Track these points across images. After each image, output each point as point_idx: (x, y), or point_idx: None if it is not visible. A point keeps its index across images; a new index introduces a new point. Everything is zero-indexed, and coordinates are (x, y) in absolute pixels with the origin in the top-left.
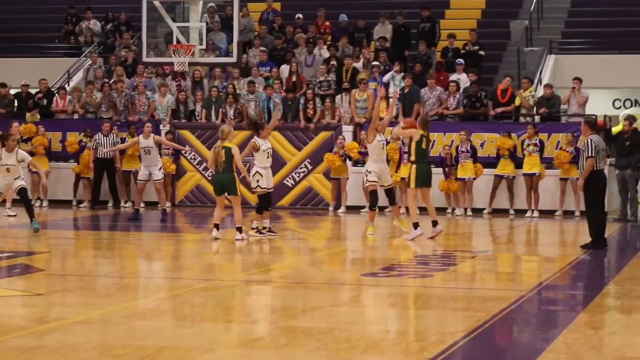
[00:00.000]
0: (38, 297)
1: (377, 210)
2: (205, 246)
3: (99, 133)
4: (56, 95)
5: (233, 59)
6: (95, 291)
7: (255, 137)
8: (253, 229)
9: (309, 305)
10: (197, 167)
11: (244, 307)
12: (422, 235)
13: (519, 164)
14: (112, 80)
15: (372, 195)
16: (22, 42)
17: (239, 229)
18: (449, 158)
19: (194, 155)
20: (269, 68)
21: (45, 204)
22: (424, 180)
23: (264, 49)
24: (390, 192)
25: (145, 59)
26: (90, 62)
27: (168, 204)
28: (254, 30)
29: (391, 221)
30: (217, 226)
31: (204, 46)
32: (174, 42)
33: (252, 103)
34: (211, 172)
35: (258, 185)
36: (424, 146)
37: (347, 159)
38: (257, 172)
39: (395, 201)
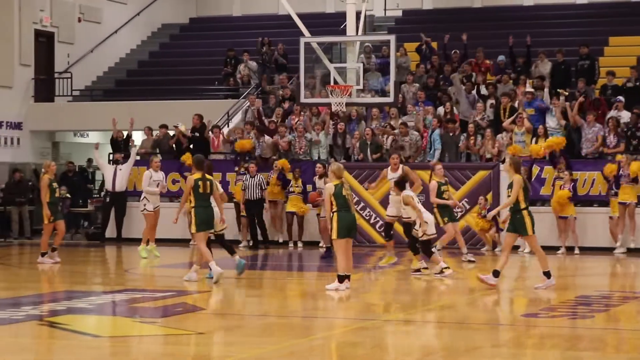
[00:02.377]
0: (199, 336)
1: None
2: (364, 285)
3: (247, 174)
4: (211, 134)
5: (390, 99)
6: (255, 330)
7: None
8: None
9: (470, 345)
10: (355, 206)
11: (402, 347)
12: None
13: None
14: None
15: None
16: (183, 85)
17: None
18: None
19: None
20: (422, 107)
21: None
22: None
23: (416, 85)
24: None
25: (302, 99)
26: (248, 103)
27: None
28: (410, 69)
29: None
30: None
31: (360, 86)
32: (331, 83)
33: (405, 144)
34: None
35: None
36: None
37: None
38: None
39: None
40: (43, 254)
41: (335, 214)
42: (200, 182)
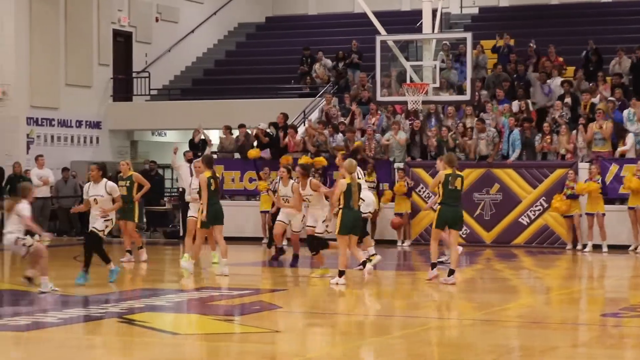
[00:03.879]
0: (276, 333)
1: None
2: (440, 284)
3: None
4: (286, 133)
5: (467, 97)
6: (332, 328)
7: None
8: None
9: (547, 345)
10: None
11: (478, 347)
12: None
13: None
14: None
15: None
16: (259, 84)
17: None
18: None
19: (428, 193)
20: (501, 105)
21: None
22: None
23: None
24: None
25: (379, 98)
26: (324, 101)
27: (407, 242)
28: (487, 67)
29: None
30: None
31: (437, 84)
32: (408, 81)
33: (482, 142)
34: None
35: None
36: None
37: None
38: None
39: None
40: (129, 252)
41: (340, 210)
42: (211, 180)
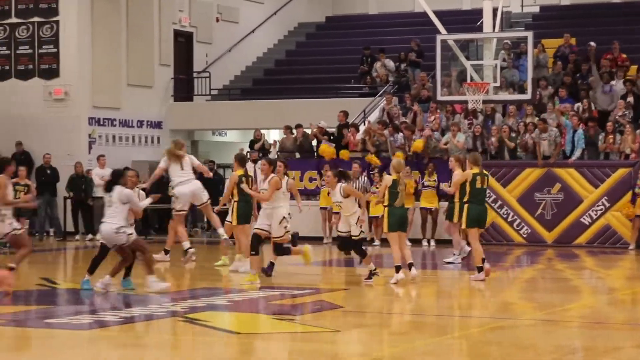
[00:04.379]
0: (336, 333)
1: None
2: (502, 284)
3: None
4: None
5: (527, 96)
6: (392, 328)
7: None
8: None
9: (610, 346)
10: (492, 205)
11: (540, 347)
12: None
13: None
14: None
15: None
16: (319, 83)
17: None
18: None
19: (488, 193)
20: (562, 104)
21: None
22: None
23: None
24: None
25: (439, 97)
26: (385, 101)
27: (463, 242)
28: (548, 66)
29: None
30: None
31: (498, 83)
32: (468, 80)
33: (544, 142)
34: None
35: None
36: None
37: None
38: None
39: None
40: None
41: (386, 208)
42: (243, 178)
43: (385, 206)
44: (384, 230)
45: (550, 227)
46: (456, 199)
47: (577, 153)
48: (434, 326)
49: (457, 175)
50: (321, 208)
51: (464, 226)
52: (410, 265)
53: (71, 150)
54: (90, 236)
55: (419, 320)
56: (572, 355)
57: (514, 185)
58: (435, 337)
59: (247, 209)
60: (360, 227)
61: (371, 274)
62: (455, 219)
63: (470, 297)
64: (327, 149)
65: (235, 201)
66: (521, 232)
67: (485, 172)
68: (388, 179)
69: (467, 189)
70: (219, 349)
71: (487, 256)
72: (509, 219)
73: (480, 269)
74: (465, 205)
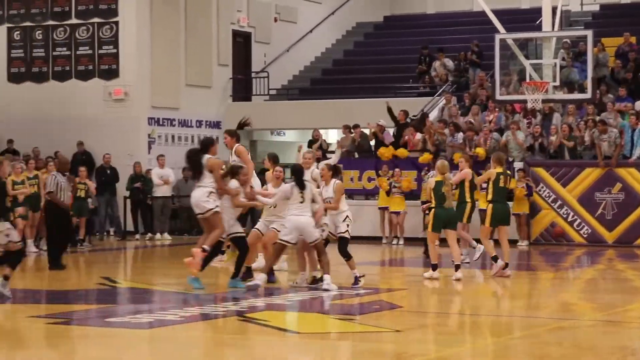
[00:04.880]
0: (396, 333)
1: None
2: (562, 284)
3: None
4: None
5: (587, 95)
6: (452, 328)
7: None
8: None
9: None
10: (552, 204)
11: (601, 348)
12: None
13: None
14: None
15: None
16: (378, 83)
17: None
18: None
19: (548, 192)
20: (625, 103)
21: (401, 241)
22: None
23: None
24: None
25: (498, 96)
26: (444, 101)
27: (525, 242)
28: (608, 65)
29: None
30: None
31: (557, 82)
32: (527, 79)
33: (604, 143)
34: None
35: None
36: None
37: None
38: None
39: None
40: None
41: (432, 209)
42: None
43: (430, 207)
44: (428, 229)
45: (611, 227)
46: (467, 199)
47: (637, 152)
48: (493, 326)
49: (464, 173)
50: (379, 208)
51: (487, 224)
52: (457, 267)
53: (131, 150)
54: (149, 235)
55: (478, 321)
56: (633, 356)
57: (574, 185)
58: (494, 337)
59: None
60: (347, 226)
61: (357, 280)
62: (465, 219)
63: (530, 298)
64: (385, 151)
65: None
66: (581, 232)
67: (508, 172)
68: (432, 182)
69: (491, 188)
70: (279, 349)
71: (547, 256)
72: (569, 219)
73: (495, 258)
74: (489, 205)
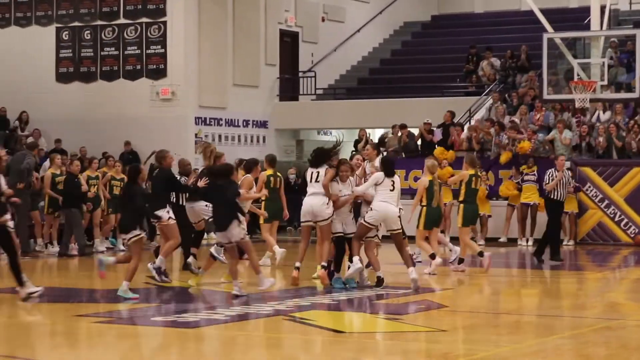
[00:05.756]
0: (442, 333)
1: None
2: (609, 284)
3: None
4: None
5: (635, 94)
6: (498, 328)
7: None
8: None
9: None
10: (599, 204)
11: None
12: None
13: None
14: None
15: None
16: (425, 82)
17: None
18: None
19: (595, 192)
20: None
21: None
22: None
23: None
24: None
25: (545, 96)
26: (491, 100)
27: (572, 241)
28: None
29: None
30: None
31: (605, 82)
32: (575, 79)
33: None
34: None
35: None
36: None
37: None
38: None
39: None
40: None
41: (424, 207)
42: (271, 178)
43: (422, 206)
44: (419, 227)
45: None
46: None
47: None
48: (540, 326)
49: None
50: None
51: (459, 225)
52: (432, 256)
53: (177, 150)
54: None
55: (525, 320)
56: None
57: (622, 184)
58: (541, 337)
59: (275, 207)
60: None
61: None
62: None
63: (576, 298)
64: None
65: (263, 200)
66: (629, 231)
67: (479, 173)
68: (424, 182)
69: (463, 189)
70: (326, 348)
71: (594, 256)
72: (616, 219)
73: (461, 261)
74: (461, 205)
